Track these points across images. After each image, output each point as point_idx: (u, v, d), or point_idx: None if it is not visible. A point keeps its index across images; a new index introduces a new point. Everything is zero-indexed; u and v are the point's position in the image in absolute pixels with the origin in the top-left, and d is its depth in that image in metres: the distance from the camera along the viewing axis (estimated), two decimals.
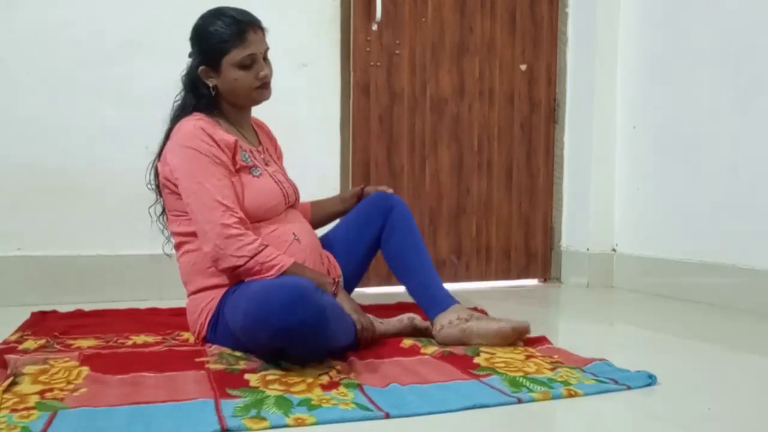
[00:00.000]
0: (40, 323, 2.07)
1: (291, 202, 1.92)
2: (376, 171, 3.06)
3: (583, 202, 3.30)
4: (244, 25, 1.78)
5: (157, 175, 1.87)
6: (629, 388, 1.47)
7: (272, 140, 2.10)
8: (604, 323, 2.53)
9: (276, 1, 2.83)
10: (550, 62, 3.36)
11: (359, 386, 1.44)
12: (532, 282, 3.39)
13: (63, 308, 2.31)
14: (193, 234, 1.77)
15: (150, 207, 1.92)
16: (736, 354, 1.98)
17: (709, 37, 2.81)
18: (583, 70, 3.30)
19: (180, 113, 1.87)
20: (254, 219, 1.79)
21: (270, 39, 2.92)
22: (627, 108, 3.22)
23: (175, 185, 1.77)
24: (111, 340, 1.87)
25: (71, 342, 1.83)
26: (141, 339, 1.90)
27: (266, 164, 1.91)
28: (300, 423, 1.24)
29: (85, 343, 1.82)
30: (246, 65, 1.79)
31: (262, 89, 1.84)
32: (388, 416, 1.29)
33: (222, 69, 1.80)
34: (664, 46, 3.03)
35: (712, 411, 1.37)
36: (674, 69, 2.97)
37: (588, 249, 3.27)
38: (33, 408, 1.26)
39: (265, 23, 2.87)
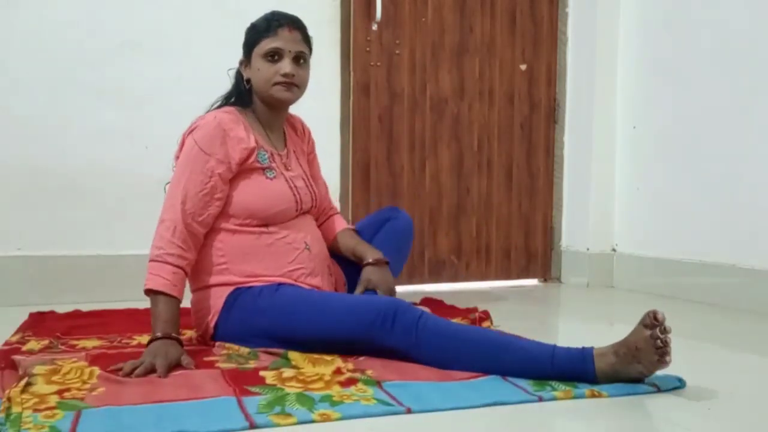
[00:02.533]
0: (40, 324, 2.07)
1: (305, 208, 1.91)
2: (376, 171, 3.06)
3: (583, 202, 3.30)
4: (282, 21, 1.82)
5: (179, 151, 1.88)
6: (659, 390, 1.46)
7: (304, 141, 2.07)
8: (604, 323, 2.53)
9: (276, 1, 2.82)
10: (550, 62, 3.36)
11: (378, 383, 1.45)
12: (532, 282, 3.39)
13: (63, 308, 2.31)
14: (212, 229, 1.80)
15: (166, 185, 1.88)
16: (736, 354, 1.98)
17: (709, 37, 2.81)
18: (583, 70, 3.30)
19: (218, 103, 1.92)
20: (263, 220, 1.80)
21: None
22: (627, 108, 3.22)
23: None
24: (115, 341, 1.87)
25: (75, 342, 1.83)
26: (145, 339, 1.89)
27: (286, 168, 1.90)
28: (325, 418, 1.25)
29: (89, 343, 1.82)
30: (271, 58, 1.81)
31: (280, 87, 1.82)
32: (409, 411, 1.30)
33: (252, 60, 1.85)
34: (664, 46, 3.03)
35: (711, 411, 1.37)
36: (674, 69, 2.97)
37: (588, 249, 3.27)
38: (55, 408, 1.26)
39: None
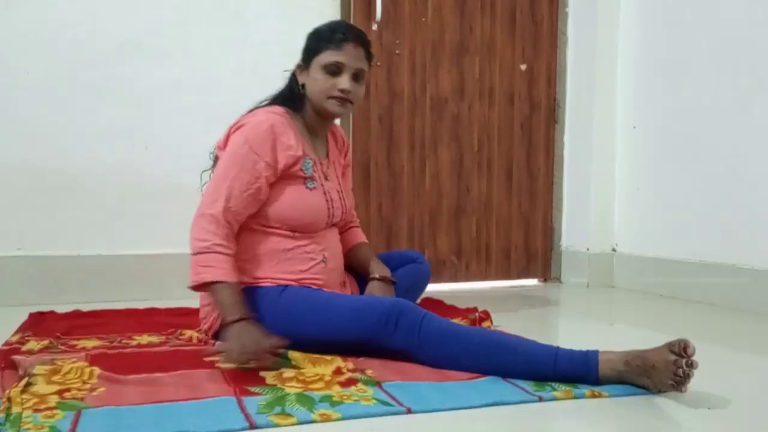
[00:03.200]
0: (40, 324, 2.07)
1: (334, 221, 1.91)
2: (376, 171, 3.06)
3: (583, 202, 3.30)
4: (348, 36, 1.80)
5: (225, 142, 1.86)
6: (659, 390, 1.45)
7: (343, 153, 2.07)
8: (604, 323, 2.53)
9: (276, 1, 2.83)
10: (550, 62, 3.36)
11: (378, 383, 1.45)
12: (532, 282, 3.39)
13: (63, 308, 2.31)
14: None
15: (203, 172, 1.89)
16: (736, 354, 1.98)
17: (709, 37, 2.81)
18: (583, 70, 3.30)
19: (269, 101, 1.90)
20: (291, 227, 1.80)
21: (270, 39, 2.93)
22: (627, 108, 3.22)
23: None
24: (115, 341, 1.87)
25: (75, 342, 1.82)
26: (145, 339, 1.90)
27: (326, 178, 1.90)
28: (326, 419, 1.26)
29: (89, 343, 1.82)
30: (331, 70, 1.79)
31: (335, 101, 1.81)
32: (409, 411, 1.30)
33: (311, 67, 1.83)
34: (664, 46, 3.03)
35: (711, 411, 1.37)
36: (674, 69, 2.97)
37: (588, 249, 3.27)
38: (55, 408, 1.26)
39: (265, 23, 2.89)
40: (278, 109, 1.84)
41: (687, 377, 1.40)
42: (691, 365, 1.39)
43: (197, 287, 1.68)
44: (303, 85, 1.86)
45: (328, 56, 1.79)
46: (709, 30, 2.81)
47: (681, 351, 1.39)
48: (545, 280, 3.42)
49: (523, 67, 3.31)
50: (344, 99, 1.81)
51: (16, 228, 2.52)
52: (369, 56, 1.86)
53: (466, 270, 3.24)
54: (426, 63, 3.12)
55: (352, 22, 2.95)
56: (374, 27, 2.99)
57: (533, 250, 3.38)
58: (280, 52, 2.84)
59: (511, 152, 3.31)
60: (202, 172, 1.87)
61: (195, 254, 1.68)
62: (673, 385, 1.41)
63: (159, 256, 2.68)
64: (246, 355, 1.54)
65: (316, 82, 1.81)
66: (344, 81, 1.79)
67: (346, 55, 1.79)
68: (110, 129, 2.62)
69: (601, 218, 3.27)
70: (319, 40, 1.81)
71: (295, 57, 2.86)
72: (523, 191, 3.35)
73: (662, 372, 1.41)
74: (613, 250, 3.28)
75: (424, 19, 3.10)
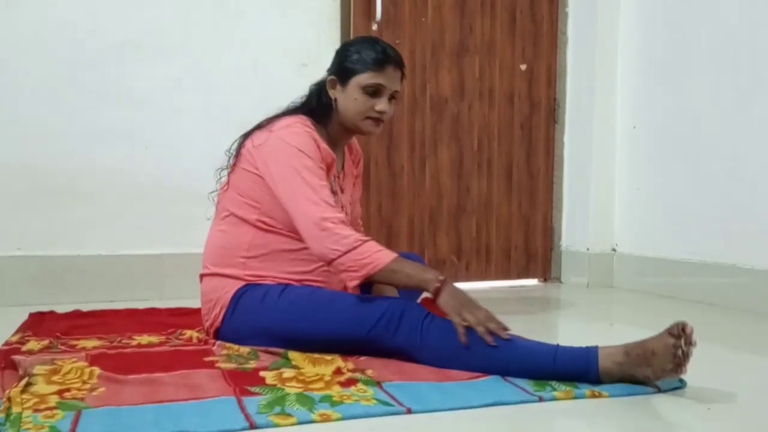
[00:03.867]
0: (40, 324, 2.07)
1: None
2: (376, 171, 3.06)
3: (583, 202, 3.30)
4: (389, 59, 1.82)
5: (239, 149, 1.84)
6: (659, 390, 1.46)
7: (356, 164, 2.08)
8: (604, 323, 2.53)
9: (276, 1, 2.83)
10: (550, 62, 3.36)
11: (378, 383, 1.45)
12: (532, 282, 3.39)
13: (63, 308, 2.31)
14: (246, 221, 1.79)
15: (218, 170, 1.88)
16: (736, 354, 1.98)
17: (709, 37, 2.81)
18: (583, 70, 3.30)
19: (294, 109, 1.88)
20: (297, 233, 1.79)
21: (270, 39, 2.93)
22: (627, 108, 3.22)
23: (262, 177, 1.77)
24: (115, 341, 1.87)
25: (74, 343, 1.82)
26: (145, 339, 1.90)
27: (341, 190, 1.92)
28: (326, 419, 1.26)
29: (89, 343, 1.82)
30: (370, 92, 1.80)
31: (371, 122, 1.83)
32: (409, 411, 1.30)
33: (349, 86, 1.81)
34: (664, 46, 3.03)
35: (712, 411, 1.37)
36: (674, 69, 2.97)
37: (588, 249, 3.27)
38: (55, 408, 1.26)
39: (265, 23, 2.88)
40: (304, 119, 1.82)
41: (686, 357, 1.40)
42: (690, 343, 1.39)
43: (370, 277, 1.64)
44: (335, 100, 1.85)
45: (369, 78, 1.79)
46: (709, 30, 2.81)
47: (679, 332, 1.40)
48: (545, 280, 3.42)
49: (523, 67, 3.31)
50: (380, 120, 1.83)
51: (16, 228, 2.53)
52: (403, 76, 1.88)
53: (466, 270, 3.24)
54: (426, 63, 3.12)
55: (352, 21, 2.95)
56: (374, 27, 2.99)
57: (533, 250, 3.38)
58: (280, 52, 2.85)
59: (511, 152, 3.31)
60: (218, 170, 1.87)
61: (348, 252, 1.63)
62: (673, 369, 1.41)
63: (159, 256, 2.68)
64: (487, 313, 1.56)
65: (354, 102, 1.81)
66: (383, 103, 1.81)
67: (387, 78, 1.81)
68: (110, 129, 2.62)
69: (601, 218, 3.27)
70: (361, 61, 1.80)
71: (296, 57, 2.91)
72: (523, 191, 3.35)
73: (662, 356, 1.41)
74: (613, 250, 3.28)
75: (424, 19, 3.10)
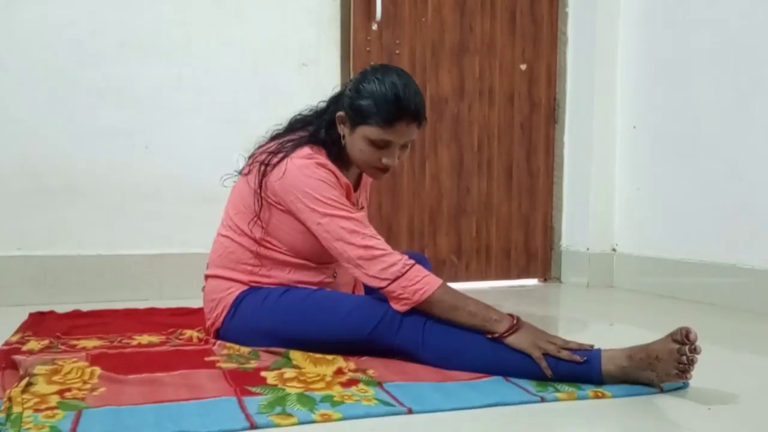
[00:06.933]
0: (40, 324, 2.07)
1: None
2: None
3: (583, 202, 3.30)
4: (403, 114, 1.64)
5: (262, 178, 1.74)
6: (661, 390, 1.46)
7: (366, 189, 2.02)
8: (604, 323, 2.53)
9: (276, 1, 2.83)
10: (550, 62, 3.36)
11: (379, 383, 1.45)
12: (532, 282, 3.39)
13: (63, 308, 2.31)
14: (250, 237, 1.77)
15: (224, 178, 1.87)
16: (736, 354, 1.98)
17: (709, 37, 2.81)
18: (583, 70, 3.30)
19: (307, 138, 1.76)
20: (305, 258, 1.79)
21: (270, 39, 2.93)
22: (627, 108, 3.22)
23: (278, 203, 1.72)
24: (115, 341, 1.87)
25: (75, 342, 1.82)
26: (145, 339, 1.90)
27: (361, 208, 1.91)
28: (326, 419, 1.26)
29: (89, 343, 1.82)
30: (378, 145, 1.68)
31: (378, 172, 1.74)
32: (410, 411, 1.31)
33: (355, 131, 1.70)
34: (664, 46, 3.03)
35: (712, 411, 1.37)
36: (674, 69, 2.97)
37: (588, 249, 3.27)
38: (56, 408, 1.26)
39: (265, 23, 2.88)
40: (320, 150, 1.74)
41: (691, 363, 1.40)
42: (694, 350, 1.39)
43: (424, 302, 1.57)
44: (343, 136, 1.75)
45: (376, 133, 1.66)
46: (709, 30, 2.81)
47: (683, 339, 1.40)
48: (545, 280, 3.42)
49: (523, 67, 3.31)
50: (386, 170, 1.74)
51: (16, 228, 2.52)
52: (422, 122, 1.70)
53: (466, 270, 3.24)
54: (426, 63, 3.12)
55: (352, 21, 2.95)
56: (374, 27, 2.99)
57: (533, 250, 3.38)
58: (280, 52, 2.85)
59: (511, 152, 3.31)
60: (223, 178, 1.86)
61: (398, 278, 1.57)
62: (677, 374, 1.41)
63: (159, 256, 2.68)
64: (559, 338, 1.52)
65: (360, 153, 1.71)
66: (391, 156, 1.70)
67: (397, 135, 1.67)
68: (110, 129, 2.62)
69: (601, 218, 3.27)
70: (370, 112, 1.65)
71: (296, 57, 2.90)
72: (523, 191, 3.35)
73: (666, 362, 1.41)
74: (613, 250, 3.28)
75: (424, 19, 3.10)
